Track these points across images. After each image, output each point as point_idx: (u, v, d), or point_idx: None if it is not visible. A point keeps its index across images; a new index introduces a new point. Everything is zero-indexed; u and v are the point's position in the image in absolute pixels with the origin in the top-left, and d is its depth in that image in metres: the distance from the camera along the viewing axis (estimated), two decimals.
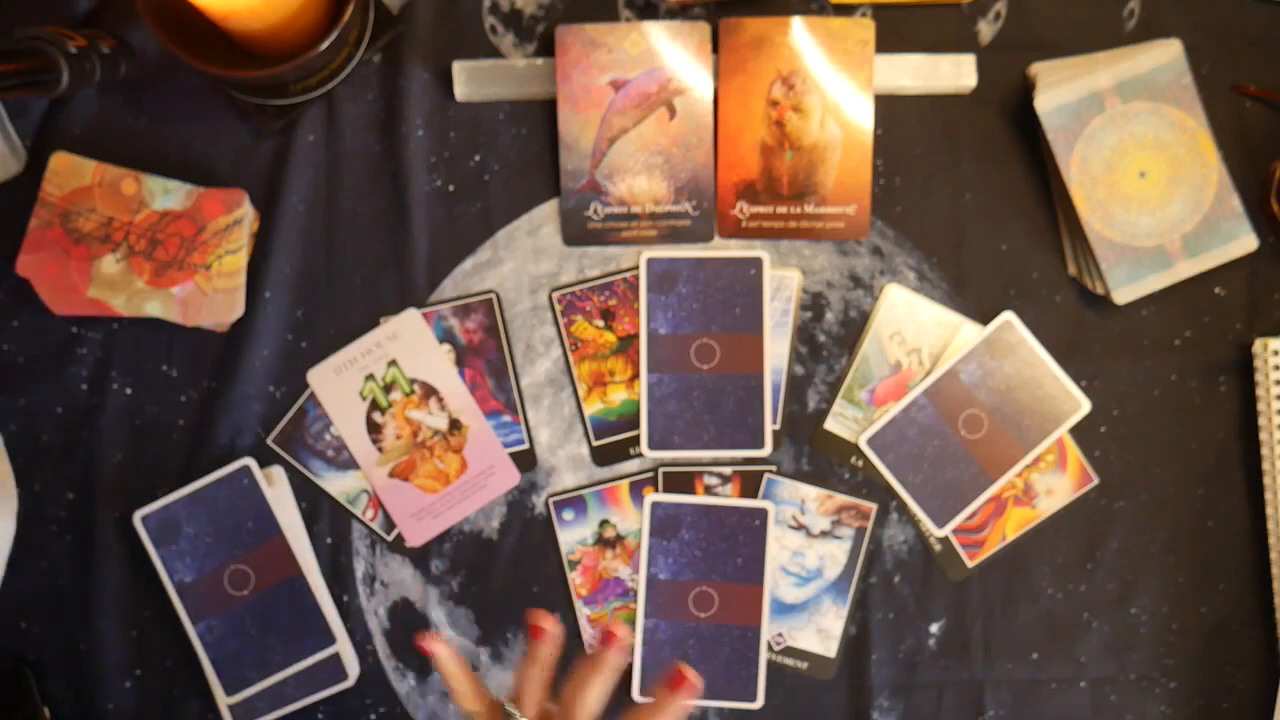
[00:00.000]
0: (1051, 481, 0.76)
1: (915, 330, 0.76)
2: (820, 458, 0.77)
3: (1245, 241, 0.74)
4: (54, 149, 0.72)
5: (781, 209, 0.76)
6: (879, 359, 0.76)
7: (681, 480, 0.76)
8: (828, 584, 0.76)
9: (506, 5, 0.77)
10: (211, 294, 0.72)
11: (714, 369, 0.75)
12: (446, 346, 0.76)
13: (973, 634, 0.76)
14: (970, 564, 0.76)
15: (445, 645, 0.61)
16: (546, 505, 0.76)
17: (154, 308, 0.72)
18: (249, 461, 0.73)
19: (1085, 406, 0.75)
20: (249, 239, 0.74)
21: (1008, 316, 0.76)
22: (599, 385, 0.76)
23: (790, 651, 0.76)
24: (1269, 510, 0.75)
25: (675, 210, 0.76)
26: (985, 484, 0.75)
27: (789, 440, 0.77)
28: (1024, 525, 0.76)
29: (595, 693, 0.59)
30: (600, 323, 0.76)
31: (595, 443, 0.76)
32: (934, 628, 0.76)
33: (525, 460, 0.76)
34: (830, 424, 0.77)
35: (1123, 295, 0.74)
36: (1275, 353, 0.74)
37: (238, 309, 0.73)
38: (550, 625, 0.61)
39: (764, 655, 0.75)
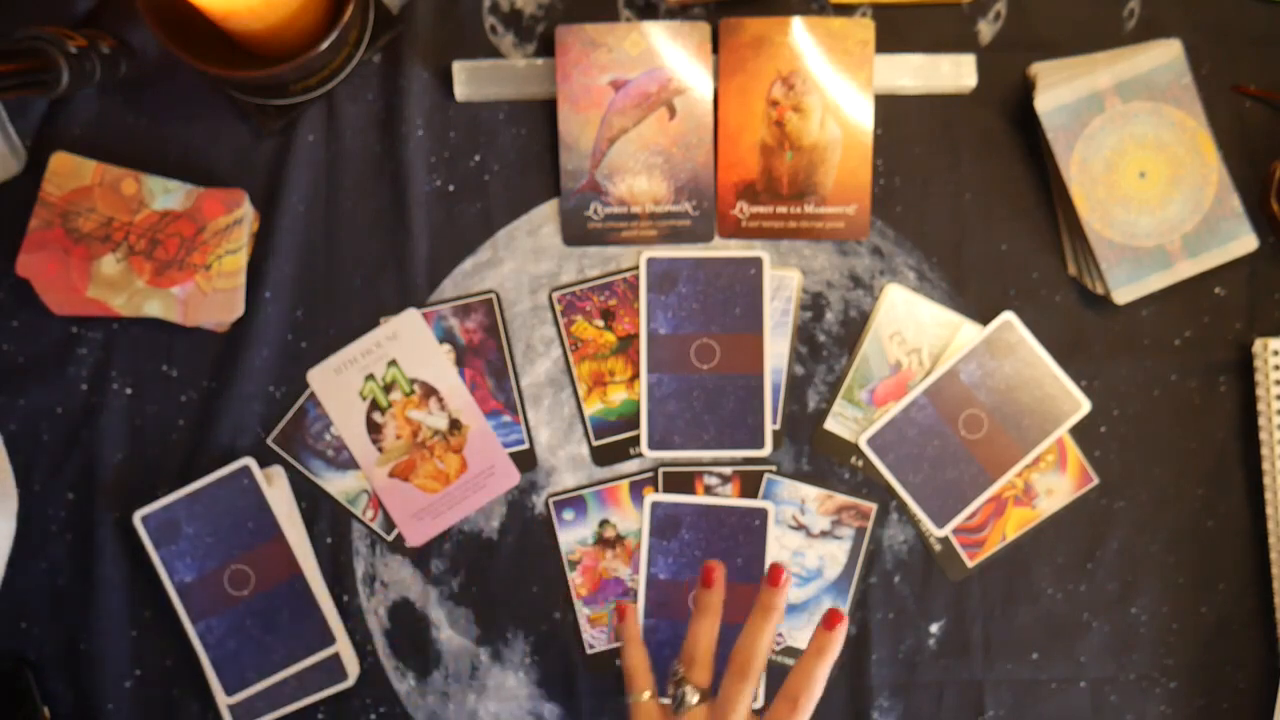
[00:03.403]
0: (1051, 481, 0.76)
1: (915, 330, 0.76)
2: (820, 458, 0.77)
3: (1245, 241, 0.74)
4: (54, 149, 0.72)
5: (781, 209, 0.76)
6: (879, 359, 0.76)
7: (681, 480, 0.76)
8: (828, 584, 0.76)
9: (506, 5, 0.77)
10: (211, 294, 0.72)
11: (714, 369, 0.75)
12: (446, 346, 0.76)
13: (973, 634, 0.76)
14: (970, 564, 0.76)
15: (634, 621, 0.63)
16: (546, 505, 0.76)
17: (154, 308, 0.72)
18: (249, 461, 0.73)
19: (1085, 406, 0.75)
20: (249, 239, 0.74)
21: (1008, 316, 0.76)
22: (599, 385, 0.76)
23: (790, 651, 0.76)
24: (1269, 510, 0.75)
25: (675, 210, 0.76)
26: (985, 484, 0.75)
27: (789, 440, 0.77)
28: (1024, 525, 0.76)
29: (763, 643, 0.58)
30: (600, 323, 0.76)
31: (595, 443, 0.76)
32: (934, 628, 0.76)
33: (525, 460, 0.76)
34: (830, 424, 0.77)
35: (1123, 295, 0.74)
36: (1275, 353, 0.74)
37: (238, 309, 0.73)
38: (720, 574, 0.59)
39: None
